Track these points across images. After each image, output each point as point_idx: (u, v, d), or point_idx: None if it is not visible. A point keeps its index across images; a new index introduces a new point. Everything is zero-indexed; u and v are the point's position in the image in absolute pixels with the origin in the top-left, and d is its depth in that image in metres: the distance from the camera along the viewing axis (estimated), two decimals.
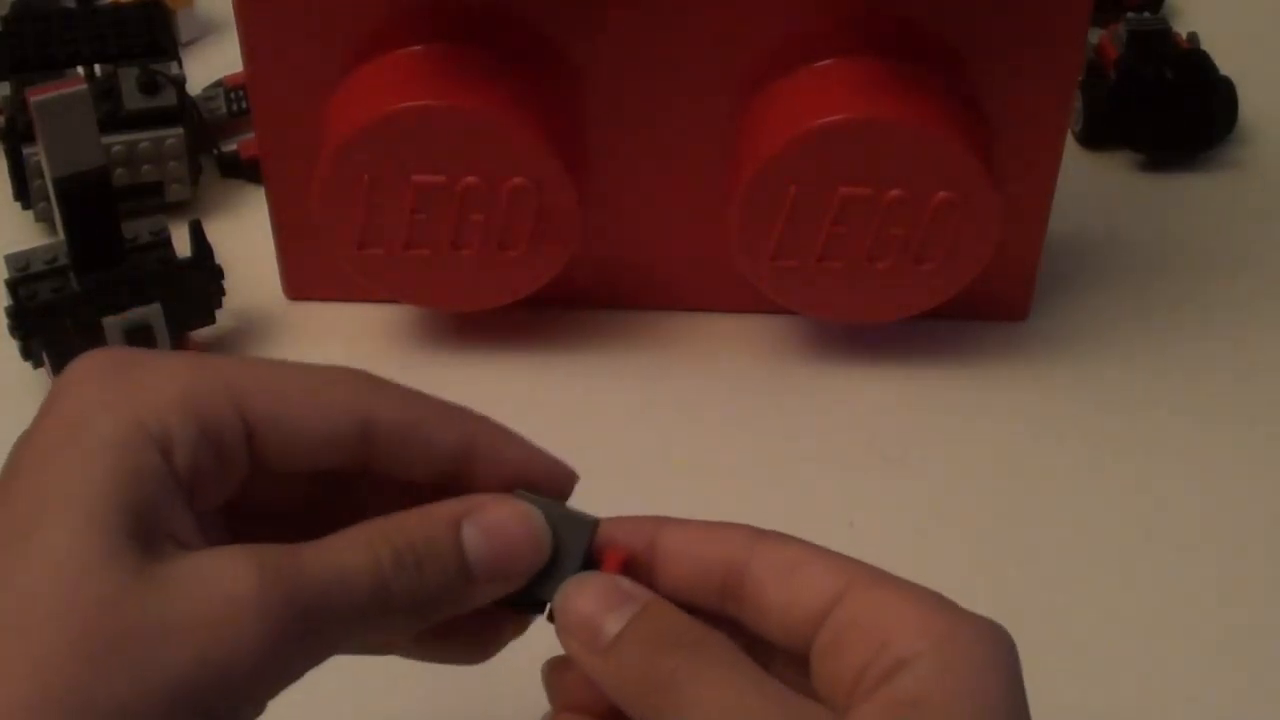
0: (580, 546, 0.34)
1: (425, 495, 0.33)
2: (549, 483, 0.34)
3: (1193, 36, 0.72)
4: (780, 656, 0.33)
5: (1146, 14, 0.75)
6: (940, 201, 0.55)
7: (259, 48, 0.57)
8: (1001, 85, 0.56)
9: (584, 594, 0.33)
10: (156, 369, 0.31)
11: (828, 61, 0.55)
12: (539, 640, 0.35)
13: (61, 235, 0.56)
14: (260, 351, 0.61)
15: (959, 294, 0.58)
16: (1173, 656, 0.50)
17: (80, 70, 0.64)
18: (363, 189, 0.55)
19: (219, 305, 0.60)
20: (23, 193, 0.65)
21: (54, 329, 0.56)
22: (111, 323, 0.56)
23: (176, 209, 0.67)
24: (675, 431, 0.58)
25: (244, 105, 0.70)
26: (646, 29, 0.55)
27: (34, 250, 0.57)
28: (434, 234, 0.57)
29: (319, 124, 0.57)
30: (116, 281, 0.56)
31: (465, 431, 0.34)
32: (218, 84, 0.72)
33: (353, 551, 0.31)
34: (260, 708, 0.30)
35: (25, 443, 0.30)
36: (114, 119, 0.64)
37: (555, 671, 0.35)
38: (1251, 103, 0.72)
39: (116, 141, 0.64)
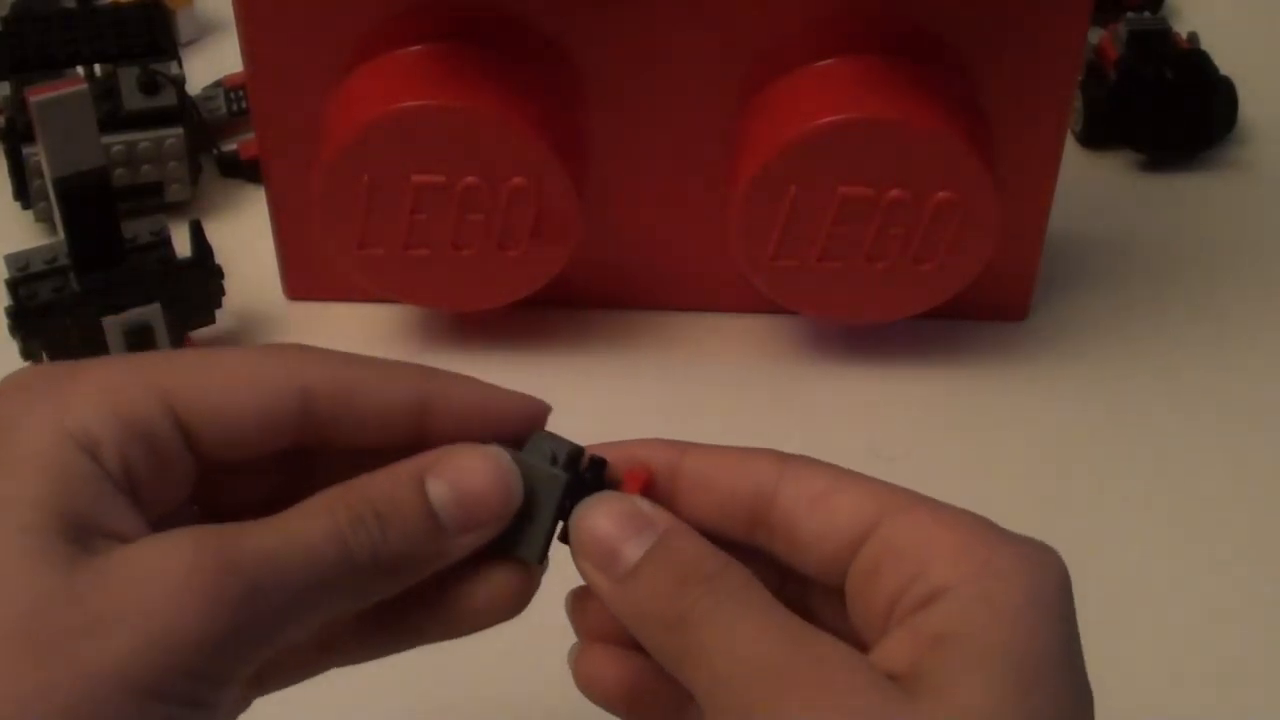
0: (553, 499, 0.32)
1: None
2: (519, 420, 0.33)
3: (1193, 36, 0.72)
4: (817, 590, 0.33)
5: (1146, 14, 0.75)
6: (940, 201, 0.55)
7: (259, 48, 0.57)
8: (1001, 85, 0.56)
9: (602, 515, 0.32)
10: (82, 377, 0.31)
11: (828, 61, 0.55)
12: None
13: (61, 235, 0.56)
14: None
15: (959, 294, 0.58)
16: (1176, 653, 0.50)
17: (80, 70, 0.64)
18: (363, 189, 0.55)
19: (219, 305, 0.60)
20: (23, 193, 0.65)
21: (54, 329, 0.56)
22: (111, 323, 0.56)
23: (176, 209, 0.67)
24: (675, 431, 0.58)
25: (244, 105, 0.70)
26: (647, 29, 0.55)
27: (34, 250, 0.57)
28: (434, 234, 0.57)
29: (319, 124, 0.57)
30: (116, 281, 0.56)
31: (413, 387, 0.33)
32: (218, 84, 0.72)
33: (307, 518, 0.30)
34: (226, 685, 0.29)
35: None
36: (114, 119, 0.64)
37: (579, 601, 0.34)
38: (1251, 103, 0.72)
39: (116, 141, 0.64)
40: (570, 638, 0.35)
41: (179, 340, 0.58)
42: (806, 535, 0.32)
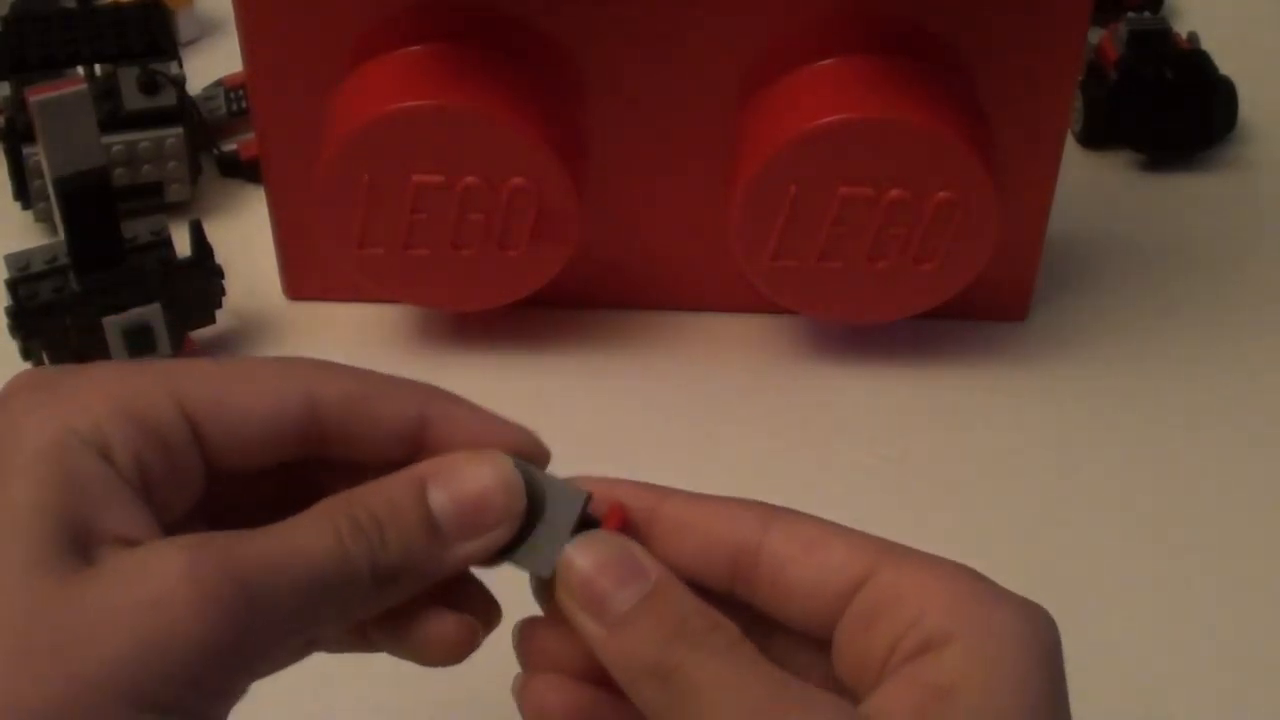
0: (571, 514, 0.32)
1: None
2: (516, 455, 0.33)
3: (1193, 36, 0.72)
4: (782, 637, 0.33)
5: (1146, 14, 0.75)
6: (940, 201, 0.55)
7: (259, 48, 0.57)
8: (1001, 85, 0.56)
9: (593, 557, 0.31)
10: (86, 379, 0.31)
11: (828, 61, 0.55)
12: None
13: (61, 235, 0.56)
14: (260, 352, 0.61)
15: (959, 294, 0.58)
16: (1174, 656, 0.50)
17: (80, 70, 0.64)
18: (363, 189, 0.55)
19: (219, 305, 0.60)
20: (23, 193, 0.65)
21: (54, 329, 0.56)
22: (111, 323, 0.56)
23: (176, 209, 0.67)
24: (674, 431, 0.58)
25: (244, 105, 0.70)
26: (647, 29, 0.55)
27: (34, 250, 0.57)
28: (434, 234, 0.57)
29: (319, 124, 0.57)
30: (116, 281, 0.56)
31: (417, 403, 0.33)
32: (218, 84, 0.72)
33: (307, 525, 0.30)
34: (224, 695, 0.29)
35: None
36: (114, 119, 0.65)
37: (528, 630, 0.34)
38: (1251, 103, 0.72)
39: (116, 141, 0.65)
40: None
41: (179, 340, 0.58)
42: (798, 583, 0.32)
